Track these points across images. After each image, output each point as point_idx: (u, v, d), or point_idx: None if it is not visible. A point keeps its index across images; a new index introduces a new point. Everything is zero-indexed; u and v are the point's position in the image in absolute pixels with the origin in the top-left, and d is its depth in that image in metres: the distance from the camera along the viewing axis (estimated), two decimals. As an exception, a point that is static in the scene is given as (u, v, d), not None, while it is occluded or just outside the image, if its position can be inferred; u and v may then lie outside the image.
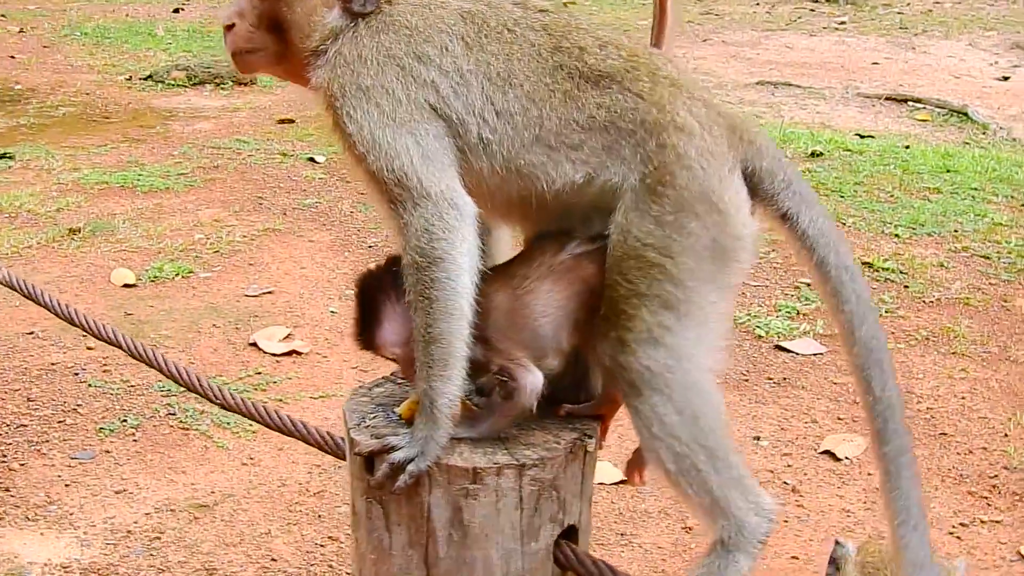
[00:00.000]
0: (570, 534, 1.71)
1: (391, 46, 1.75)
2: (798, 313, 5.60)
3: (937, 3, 19.68)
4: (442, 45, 1.75)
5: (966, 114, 11.15)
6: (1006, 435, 4.48)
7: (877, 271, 6.11)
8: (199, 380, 2.46)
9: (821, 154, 8.62)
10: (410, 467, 1.62)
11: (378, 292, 1.84)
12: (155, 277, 5.92)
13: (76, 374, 4.86)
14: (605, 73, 1.74)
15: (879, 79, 13.33)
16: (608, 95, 1.73)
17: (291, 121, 9.50)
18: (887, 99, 11.90)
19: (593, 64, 1.75)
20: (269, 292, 5.79)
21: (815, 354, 5.17)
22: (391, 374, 1.98)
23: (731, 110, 1.87)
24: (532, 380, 1.74)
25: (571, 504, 1.69)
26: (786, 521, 3.88)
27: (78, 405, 4.61)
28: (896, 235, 6.75)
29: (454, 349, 1.67)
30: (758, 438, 4.46)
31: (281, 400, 4.67)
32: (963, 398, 4.78)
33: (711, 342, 1.75)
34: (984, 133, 10.59)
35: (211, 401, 2.42)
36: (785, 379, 4.94)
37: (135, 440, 4.37)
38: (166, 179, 7.68)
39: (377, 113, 1.71)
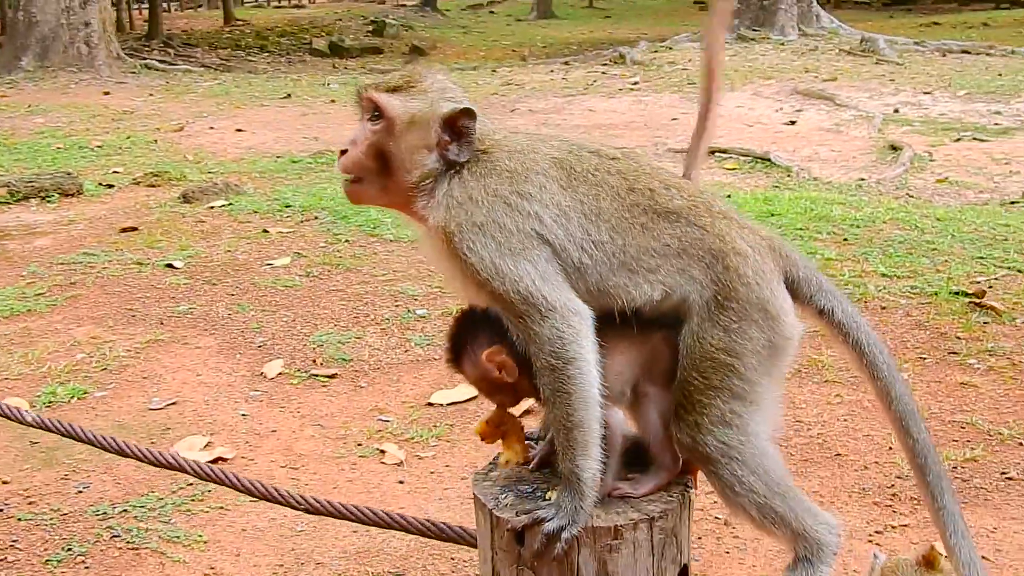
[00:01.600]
0: (684, 572, 2.02)
1: (496, 187, 2.06)
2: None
3: (715, 58, 21.12)
4: (540, 184, 2.08)
5: (769, 160, 12.13)
6: (890, 448, 5.01)
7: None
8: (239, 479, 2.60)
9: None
10: (564, 535, 1.90)
11: (472, 333, 2.21)
12: (50, 402, 5.84)
13: (1, 509, 4.78)
14: (673, 210, 2.12)
15: (682, 133, 14.26)
16: (678, 228, 2.11)
17: (134, 229, 9.43)
18: (696, 152, 12.76)
19: (662, 203, 2.12)
20: (173, 403, 5.81)
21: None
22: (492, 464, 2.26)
23: (768, 231, 2.27)
24: (617, 416, 2.11)
25: (684, 546, 2.01)
26: (727, 552, 4.26)
27: (14, 541, 4.54)
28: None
29: (592, 432, 1.97)
30: (681, 481, 4.84)
31: (223, 507, 4.74)
32: (845, 420, 5.32)
33: (771, 417, 2.12)
34: (789, 176, 11.55)
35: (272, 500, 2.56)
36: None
37: (87, 567, 4.36)
38: (24, 301, 7.52)
39: (494, 245, 2.01)
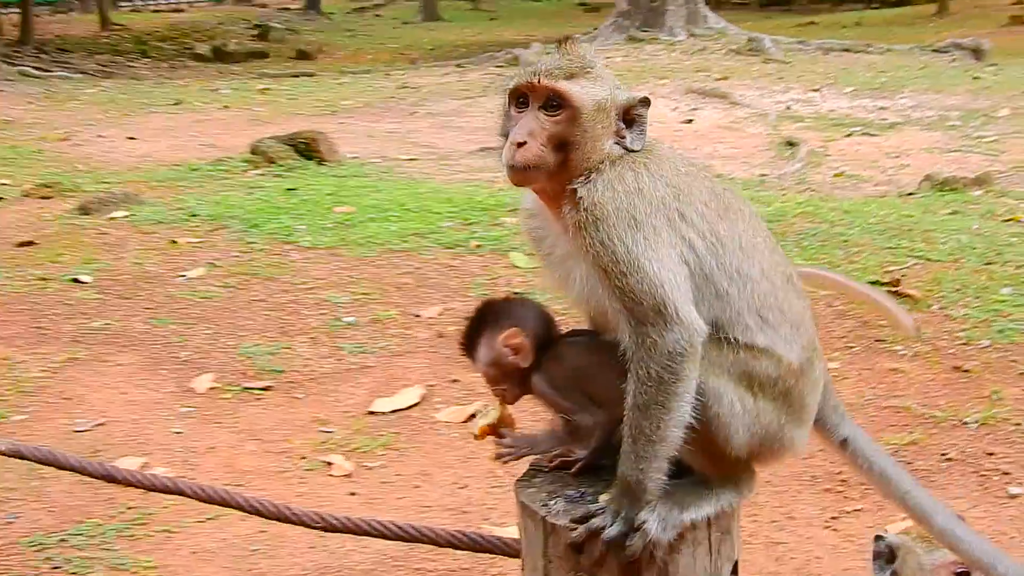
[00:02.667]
0: (735, 568, 2.02)
1: (664, 196, 2.02)
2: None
3: (608, 59, 21.35)
4: (701, 211, 2.05)
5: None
6: (833, 437, 5.11)
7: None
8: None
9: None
10: (632, 544, 1.88)
11: (493, 318, 2.25)
12: (-35, 428, 5.56)
13: (-76, 548, 4.53)
14: (799, 287, 2.17)
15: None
16: (800, 303, 2.15)
17: (32, 243, 9.04)
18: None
19: (791, 272, 2.18)
20: (101, 424, 5.59)
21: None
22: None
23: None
24: (590, 421, 2.14)
25: (736, 543, 2.00)
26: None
27: (-54, 579, 4.30)
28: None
29: (672, 449, 1.95)
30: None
31: (168, 531, 4.57)
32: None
33: None
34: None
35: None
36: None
37: (30, 601, 4.16)
38: (-79, 324, 7.15)
39: (645, 244, 1.97)
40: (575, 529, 1.93)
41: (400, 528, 2.26)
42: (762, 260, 2.08)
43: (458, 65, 22.53)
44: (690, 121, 14.89)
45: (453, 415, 5.53)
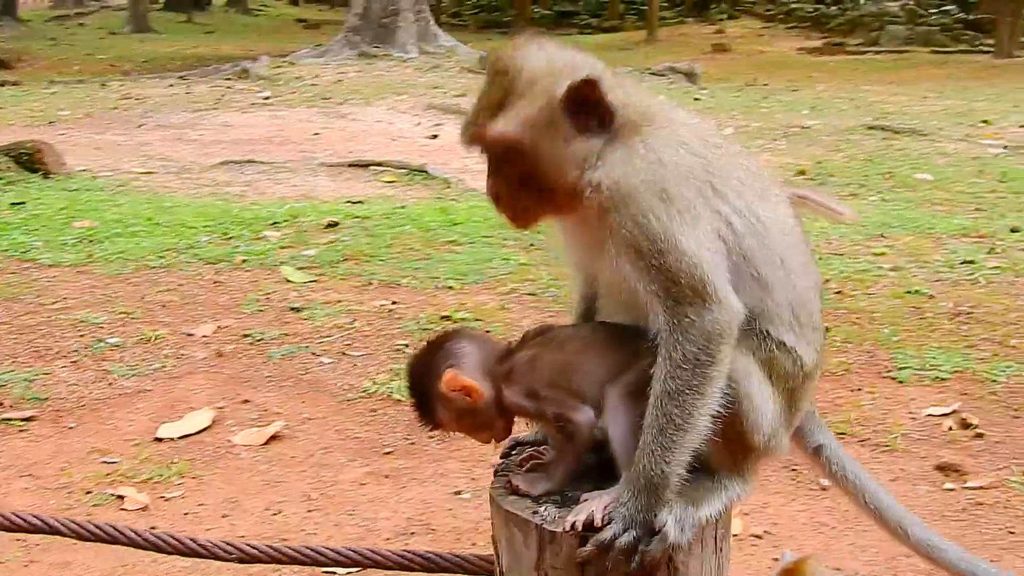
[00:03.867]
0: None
1: (692, 166, 1.83)
2: (416, 373, 5.87)
3: (342, 74, 21.09)
4: (736, 187, 1.88)
5: (426, 172, 12.20)
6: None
7: (458, 322, 6.60)
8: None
9: (337, 223, 8.99)
10: (651, 550, 1.71)
11: (427, 375, 2.02)
12: None
13: None
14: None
15: (328, 148, 14.07)
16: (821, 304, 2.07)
17: None
18: (351, 166, 12.61)
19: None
20: None
21: (455, 407, 5.49)
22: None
23: None
24: (585, 417, 1.90)
25: (730, 538, 1.88)
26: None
27: None
28: (450, 287, 7.31)
29: (700, 439, 1.78)
30: (459, 492, 4.67)
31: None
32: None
33: None
34: (448, 187, 11.68)
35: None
36: (446, 435, 5.19)
37: None
38: None
39: (680, 219, 1.79)
40: (574, 531, 1.75)
41: (338, 553, 1.98)
42: (802, 253, 1.97)
43: (182, 77, 21.51)
44: (435, 136, 14.88)
45: (252, 438, 5.14)
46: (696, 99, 19.41)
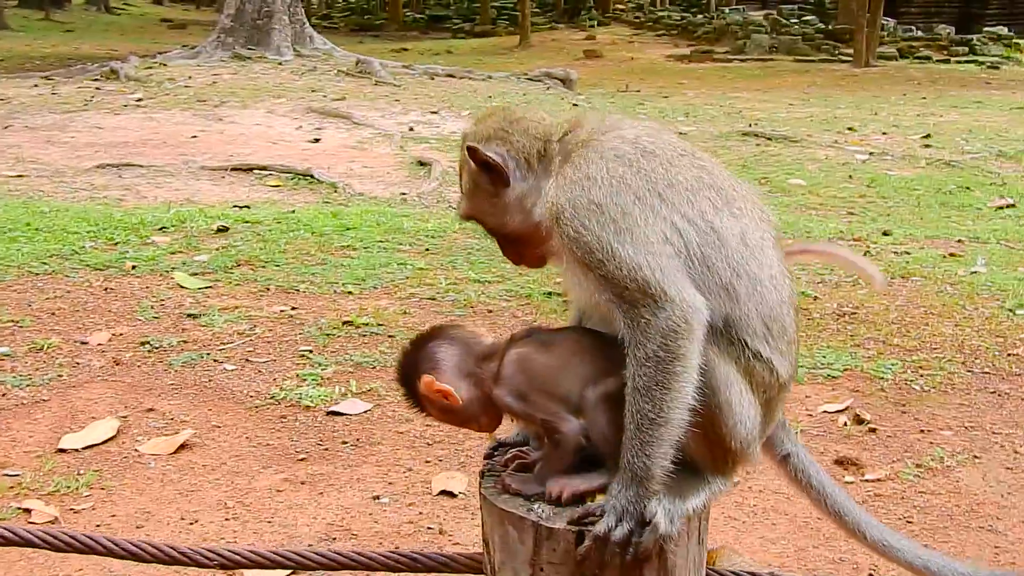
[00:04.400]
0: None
1: (625, 176, 1.91)
2: (323, 378, 5.85)
3: (216, 75, 20.68)
4: (685, 196, 1.95)
5: (312, 176, 12.11)
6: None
7: (360, 327, 6.59)
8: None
9: (227, 228, 8.85)
10: (644, 541, 1.78)
11: (412, 376, 2.11)
12: None
13: None
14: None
15: (207, 151, 13.82)
16: (795, 319, 2.13)
17: None
18: (233, 169, 12.42)
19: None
20: None
21: (365, 411, 5.49)
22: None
23: None
24: (572, 427, 1.98)
25: (710, 529, 1.97)
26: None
27: None
28: (349, 292, 7.29)
29: (675, 432, 1.85)
30: (377, 497, 4.68)
31: None
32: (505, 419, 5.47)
33: None
34: (335, 191, 11.62)
35: None
36: (358, 440, 5.20)
37: None
38: None
39: (613, 228, 1.87)
40: (573, 529, 1.81)
41: (320, 555, 1.99)
42: (771, 266, 2.02)
43: (46, 77, 20.77)
44: (317, 140, 14.76)
45: (160, 447, 5.04)
46: (574, 104, 19.70)
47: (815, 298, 7.39)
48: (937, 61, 32.36)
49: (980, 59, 32.33)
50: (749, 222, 2.01)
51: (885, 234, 9.66)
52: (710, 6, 42.94)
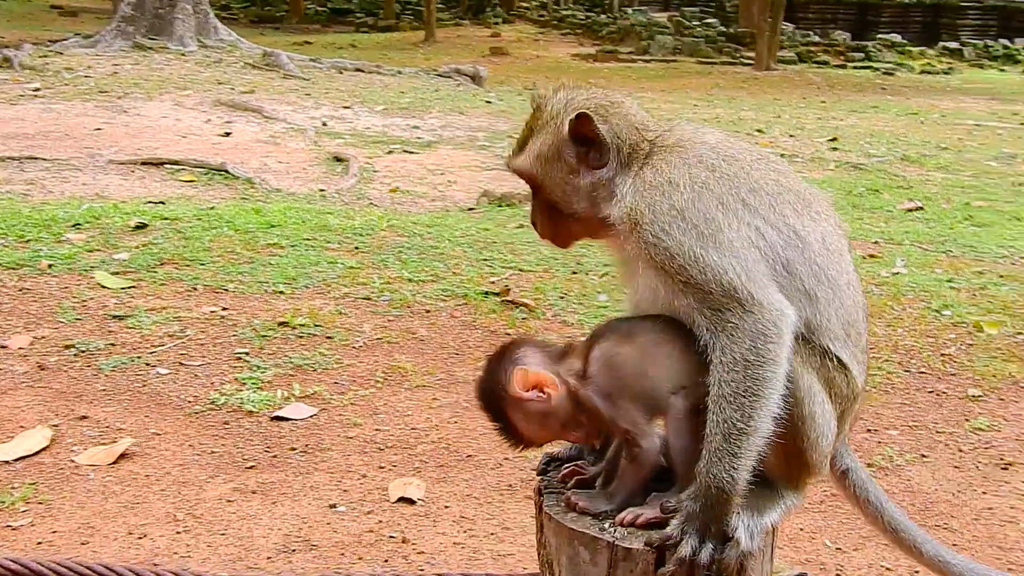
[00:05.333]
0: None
1: (707, 180, 1.85)
2: (263, 382, 5.66)
3: (117, 66, 20.03)
4: (767, 201, 1.90)
5: (227, 171, 11.78)
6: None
7: (297, 328, 6.41)
8: None
9: (146, 225, 8.54)
10: (726, 558, 1.71)
11: (496, 389, 2.01)
12: None
13: None
14: None
15: (113, 144, 13.35)
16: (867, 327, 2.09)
17: None
18: (144, 164, 12.01)
19: None
20: None
21: (311, 416, 5.33)
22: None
23: None
24: (653, 443, 1.91)
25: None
26: (422, 568, 4.08)
27: None
28: (280, 292, 7.08)
29: (761, 442, 1.76)
30: (334, 506, 4.54)
31: None
32: (455, 422, 5.37)
33: None
34: (252, 187, 11.32)
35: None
36: (307, 446, 5.04)
37: None
38: None
39: (695, 234, 1.81)
40: (651, 550, 1.73)
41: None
42: (848, 271, 1.99)
43: (-68, 64, 19.81)
44: (228, 135, 14.39)
45: (99, 457, 4.80)
46: (488, 102, 19.62)
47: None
48: (835, 66, 33.18)
49: (875, 65, 33.28)
50: (827, 226, 1.98)
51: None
52: (613, 6, 43.31)
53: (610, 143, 1.97)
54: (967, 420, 5.59)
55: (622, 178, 1.96)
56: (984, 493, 4.74)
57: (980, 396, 5.86)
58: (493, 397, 2.02)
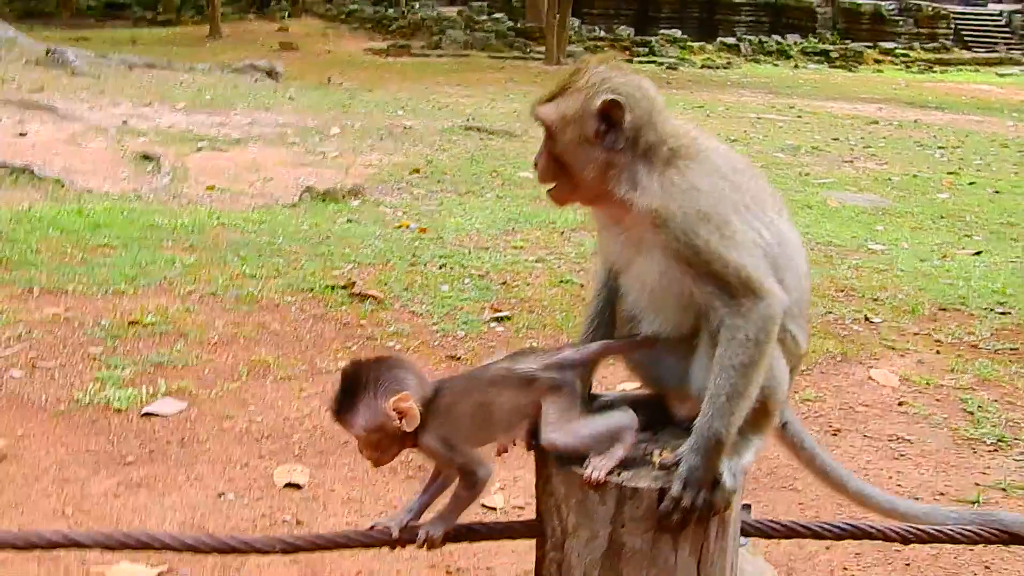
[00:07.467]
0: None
1: (724, 189, 2.15)
2: (124, 380, 5.65)
3: None
4: (761, 206, 2.21)
5: (32, 172, 11.38)
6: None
7: (148, 327, 6.40)
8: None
9: (-38, 228, 8.23)
10: (717, 498, 2.02)
11: (361, 380, 2.15)
12: None
13: None
14: None
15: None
16: None
17: None
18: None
19: None
20: None
21: (180, 411, 5.38)
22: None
23: None
24: (486, 472, 2.16)
25: None
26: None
27: None
28: (123, 291, 7.02)
29: (750, 404, 2.12)
30: (222, 494, 4.64)
31: None
32: (326, 410, 5.53)
33: None
34: (62, 188, 11.00)
35: None
36: (183, 439, 5.11)
37: None
38: None
39: (719, 234, 2.10)
40: (655, 488, 2.00)
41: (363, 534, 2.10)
42: (804, 261, 2.33)
43: None
44: (24, 134, 13.83)
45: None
46: (291, 98, 19.50)
47: (581, 285, 7.90)
48: (622, 60, 34.47)
49: (659, 59, 34.83)
50: (790, 223, 2.34)
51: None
52: (401, 1, 43.48)
53: (629, 134, 2.17)
54: (796, 392, 6.17)
55: (645, 171, 2.17)
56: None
57: (805, 370, 6.42)
58: (358, 386, 2.13)
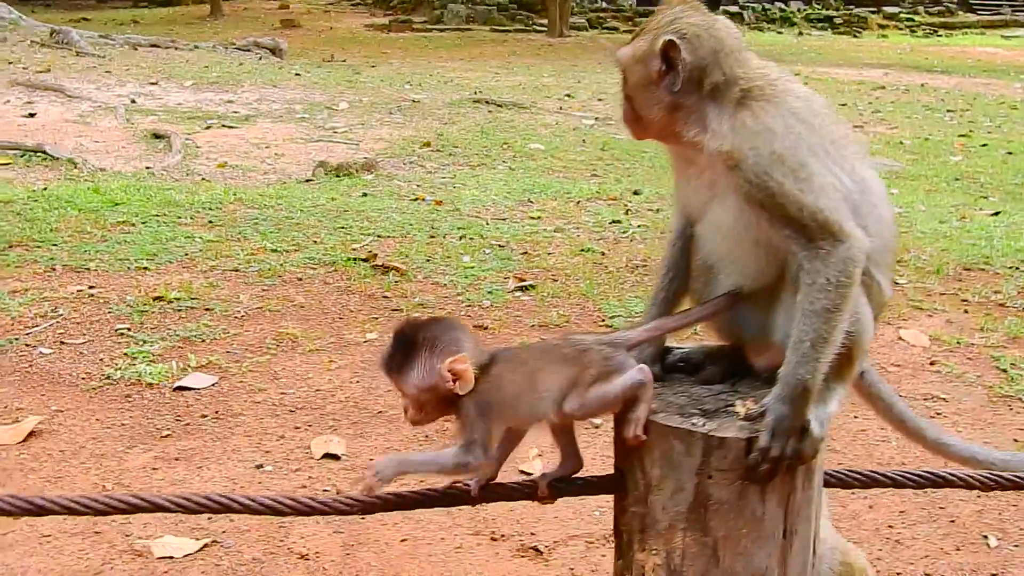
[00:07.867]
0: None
1: (800, 132, 2.10)
2: (153, 355, 5.64)
3: None
4: (841, 151, 2.18)
5: (46, 152, 11.34)
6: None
7: (173, 302, 6.37)
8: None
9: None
10: (805, 447, 1.99)
11: (418, 339, 2.12)
12: None
13: None
14: None
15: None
16: None
17: None
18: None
19: None
20: None
21: (212, 384, 5.37)
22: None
23: None
24: (476, 463, 2.10)
25: None
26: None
27: None
28: (145, 268, 6.99)
29: (835, 350, 2.09)
30: (260, 466, 4.63)
31: None
32: (357, 382, 5.51)
33: None
34: (76, 167, 10.94)
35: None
36: (217, 412, 5.09)
37: None
38: None
39: (793, 177, 2.06)
40: (743, 438, 1.97)
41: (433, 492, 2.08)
42: (889, 209, 2.29)
43: None
44: (33, 115, 13.77)
45: (5, 436, 4.71)
46: (297, 74, 19.41)
47: (603, 253, 7.87)
48: (624, 31, 34.31)
49: (660, 30, 34.54)
50: (874, 171, 2.30)
51: (636, 193, 10.34)
52: (401, -24, 43.19)
53: (692, 75, 2.13)
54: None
55: (715, 112, 2.13)
56: (855, 417, 5.25)
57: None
58: (414, 346, 2.11)
